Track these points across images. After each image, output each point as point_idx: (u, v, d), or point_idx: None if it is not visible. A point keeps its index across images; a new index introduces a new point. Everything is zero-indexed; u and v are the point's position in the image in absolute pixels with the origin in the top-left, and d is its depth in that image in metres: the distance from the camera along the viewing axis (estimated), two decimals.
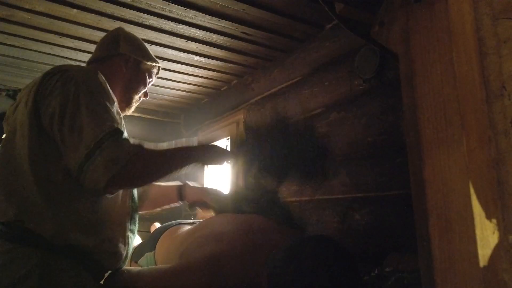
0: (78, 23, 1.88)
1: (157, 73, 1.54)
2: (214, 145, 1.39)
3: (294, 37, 2.06)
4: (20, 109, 1.11)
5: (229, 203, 1.58)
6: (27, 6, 1.74)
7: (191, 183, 1.68)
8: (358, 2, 1.14)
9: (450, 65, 0.68)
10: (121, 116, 1.16)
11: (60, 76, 1.08)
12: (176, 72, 2.51)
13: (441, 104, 0.69)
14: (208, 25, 1.91)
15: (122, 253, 1.18)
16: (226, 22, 1.87)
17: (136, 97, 1.47)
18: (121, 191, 1.18)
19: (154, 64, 1.47)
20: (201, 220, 1.71)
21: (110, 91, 1.14)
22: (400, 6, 0.80)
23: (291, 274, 1.02)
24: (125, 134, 1.08)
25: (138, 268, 1.42)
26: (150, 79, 1.49)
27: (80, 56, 2.24)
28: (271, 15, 1.81)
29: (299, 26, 1.93)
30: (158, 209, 1.67)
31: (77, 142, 1.00)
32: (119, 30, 1.46)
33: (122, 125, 1.13)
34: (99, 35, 1.98)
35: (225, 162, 1.40)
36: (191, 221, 1.88)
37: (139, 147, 1.07)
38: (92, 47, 2.13)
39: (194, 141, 1.42)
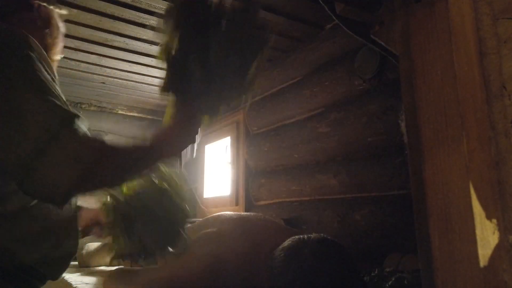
0: (78, 23, 1.88)
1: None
2: (181, 127, 0.94)
3: (294, 37, 2.06)
4: None
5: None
6: None
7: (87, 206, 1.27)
8: (358, 2, 1.14)
9: (450, 65, 0.68)
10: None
11: None
12: None
13: (441, 104, 0.69)
14: None
15: (70, 256, 1.00)
16: None
17: (56, 56, 1.13)
18: None
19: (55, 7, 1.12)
20: (201, 219, 1.71)
21: (47, 57, 0.88)
22: (400, 6, 0.80)
23: (292, 273, 1.02)
24: (85, 122, 0.82)
25: (138, 268, 1.42)
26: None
27: (81, 56, 2.24)
28: (271, 15, 1.81)
29: (299, 26, 1.93)
30: None
31: (18, 132, 0.74)
32: None
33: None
34: (99, 35, 1.99)
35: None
36: (191, 220, 1.88)
37: (103, 142, 0.82)
38: (92, 47, 2.14)
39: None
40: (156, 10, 1.77)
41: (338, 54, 1.89)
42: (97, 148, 0.78)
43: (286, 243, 1.12)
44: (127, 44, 2.09)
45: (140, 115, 3.40)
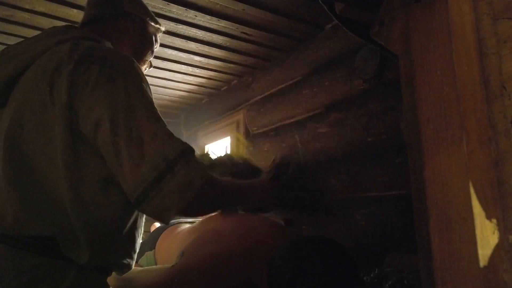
0: (78, 23, 1.88)
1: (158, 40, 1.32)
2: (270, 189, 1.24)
3: (294, 37, 2.06)
4: (34, 97, 0.88)
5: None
6: (27, 6, 1.74)
7: None
8: (358, 2, 1.14)
9: (450, 65, 0.68)
10: None
11: (101, 67, 0.86)
12: (176, 72, 2.51)
13: (441, 104, 0.69)
14: (208, 25, 1.91)
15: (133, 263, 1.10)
16: (226, 22, 1.87)
17: (144, 66, 1.25)
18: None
19: (159, 26, 1.25)
20: (201, 219, 1.71)
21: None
22: (400, 6, 0.80)
23: (291, 273, 1.02)
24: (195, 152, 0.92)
25: (138, 268, 1.42)
26: (156, 45, 1.27)
27: None
28: (271, 15, 1.81)
29: (299, 26, 1.93)
30: None
31: (138, 159, 0.82)
32: None
33: None
34: None
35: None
36: (190, 220, 1.88)
37: (207, 172, 0.91)
38: None
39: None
40: (156, 10, 1.77)
41: (338, 54, 1.89)
42: (204, 176, 0.88)
43: (286, 242, 1.12)
44: None
45: None
